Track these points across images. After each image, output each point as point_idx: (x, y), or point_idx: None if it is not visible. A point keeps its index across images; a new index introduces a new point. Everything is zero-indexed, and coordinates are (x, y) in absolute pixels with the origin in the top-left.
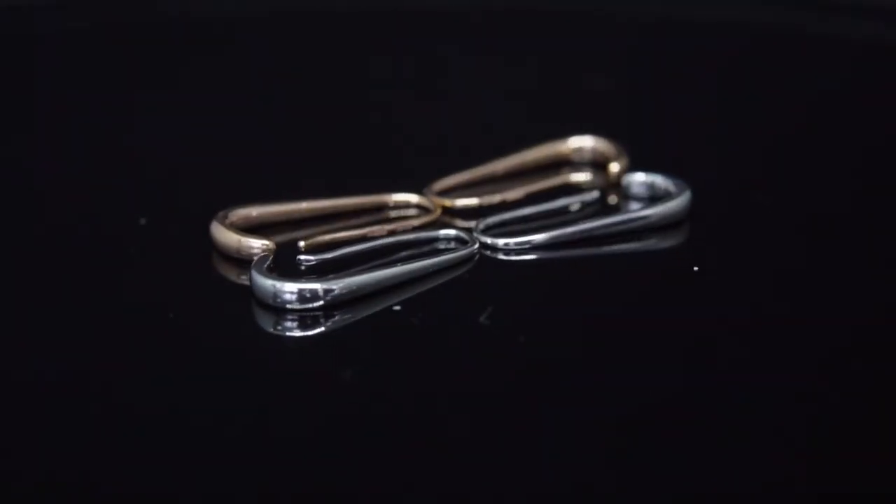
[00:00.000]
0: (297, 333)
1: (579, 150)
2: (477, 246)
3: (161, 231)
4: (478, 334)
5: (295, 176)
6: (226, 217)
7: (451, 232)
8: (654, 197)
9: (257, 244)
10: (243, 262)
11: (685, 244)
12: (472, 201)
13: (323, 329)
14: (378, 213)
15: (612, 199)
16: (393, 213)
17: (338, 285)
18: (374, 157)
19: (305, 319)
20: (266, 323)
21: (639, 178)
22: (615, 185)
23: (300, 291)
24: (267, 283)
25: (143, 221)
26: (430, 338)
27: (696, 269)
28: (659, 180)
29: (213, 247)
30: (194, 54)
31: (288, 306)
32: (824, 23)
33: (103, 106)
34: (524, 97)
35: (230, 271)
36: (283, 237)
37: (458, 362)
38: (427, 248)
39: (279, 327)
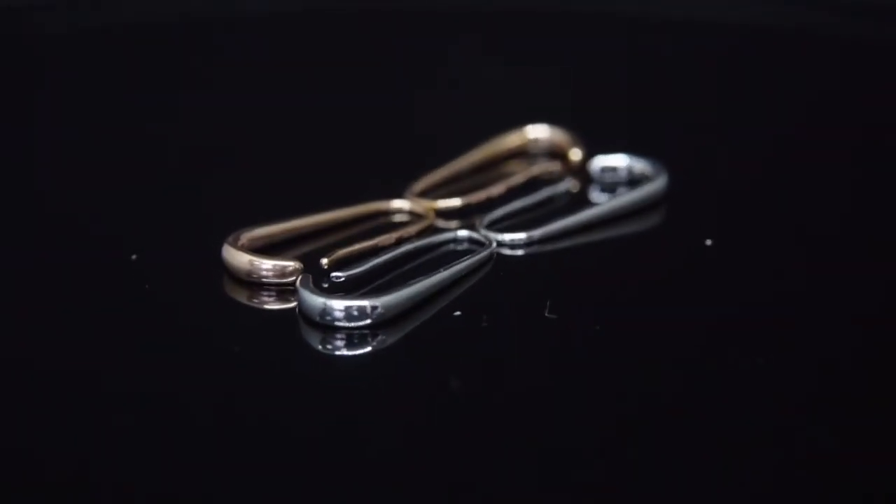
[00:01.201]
0: (349, 351)
1: (536, 140)
2: (495, 244)
3: (167, 257)
4: (538, 330)
5: (270, 187)
6: (237, 239)
7: (465, 233)
8: (632, 180)
9: (274, 265)
10: (254, 283)
11: (673, 223)
12: (459, 201)
13: (376, 344)
14: (374, 221)
15: (593, 186)
16: (388, 220)
17: (382, 301)
18: (341, 162)
19: (353, 336)
20: (314, 340)
21: (617, 162)
22: (584, 172)
23: (347, 309)
24: (318, 300)
25: (134, 257)
26: (492, 340)
27: (708, 242)
28: (637, 163)
29: (224, 268)
30: (156, 63)
31: (336, 324)
32: (812, 19)
33: (93, 114)
34: (482, 92)
35: (245, 292)
36: (289, 254)
37: (526, 361)
38: (444, 251)
39: (329, 346)
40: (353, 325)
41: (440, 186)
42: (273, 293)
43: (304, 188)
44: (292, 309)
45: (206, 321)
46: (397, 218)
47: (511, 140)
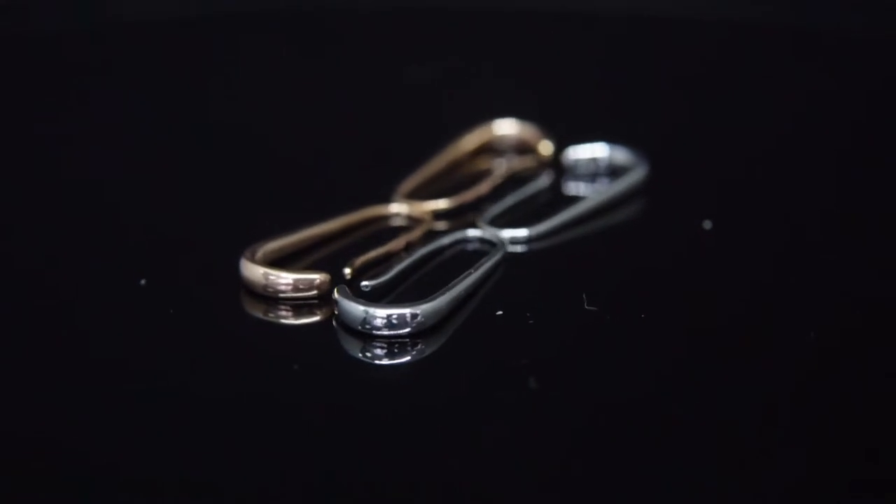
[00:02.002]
0: (390, 360)
1: (504, 135)
2: (507, 243)
3: (180, 276)
4: (573, 326)
5: (251, 197)
6: (255, 253)
7: (474, 233)
8: (613, 170)
9: (303, 278)
10: (279, 297)
11: (659, 209)
12: (453, 202)
13: (415, 353)
14: (372, 227)
15: (572, 177)
16: (388, 225)
17: (422, 309)
18: (318, 166)
19: (394, 345)
20: (353, 348)
21: (598, 152)
22: (556, 165)
23: (389, 317)
24: (358, 308)
25: (143, 282)
26: (542, 339)
27: (706, 225)
28: (617, 152)
29: (241, 283)
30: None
31: (375, 332)
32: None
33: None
34: (442, 90)
35: (267, 306)
36: (298, 265)
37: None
38: (454, 252)
39: (368, 353)
40: (393, 333)
41: (423, 187)
42: (300, 305)
43: (286, 196)
44: (326, 320)
45: (241, 337)
46: (395, 222)
47: (481, 136)
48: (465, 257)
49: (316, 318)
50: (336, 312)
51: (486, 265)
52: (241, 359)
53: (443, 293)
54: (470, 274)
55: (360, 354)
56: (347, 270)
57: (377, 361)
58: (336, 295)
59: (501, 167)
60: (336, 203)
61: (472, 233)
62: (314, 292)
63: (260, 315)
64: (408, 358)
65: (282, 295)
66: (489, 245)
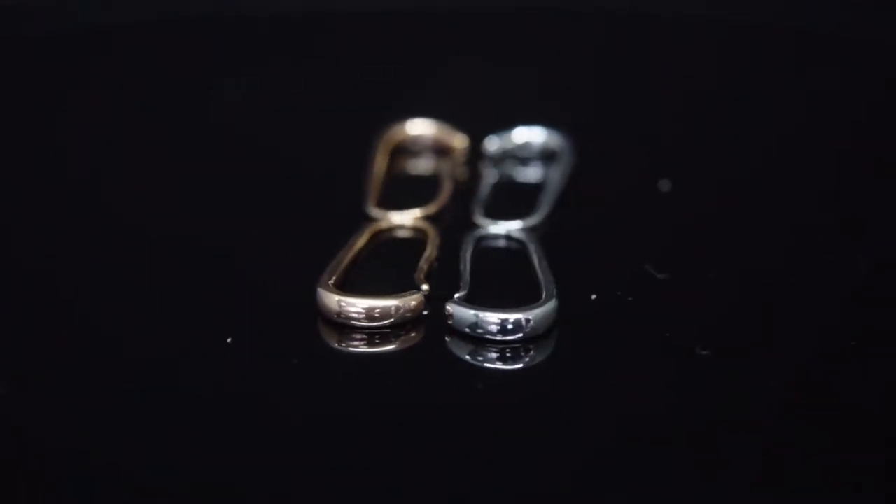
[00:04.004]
0: (503, 365)
1: (419, 134)
2: (533, 233)
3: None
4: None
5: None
6: (327, 283)
7: (496, 230)
8: (546, 153)
9: (406, 301)
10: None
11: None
12: (436, 206)
13: (528, 359)
14: (379, 240)
15: (510, 164)
16: (395, 235)
17: (533, 314)
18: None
19: (505, 350)
20: (462, 351)
21: (535, 136)
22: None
23: (503, 322)
24: (469, 313)
25: (229, 340)
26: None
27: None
28: (552, 137)
29: (319, 312)
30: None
31: (488, 337)
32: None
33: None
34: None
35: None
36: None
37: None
38: (485, 250)
39: (479, 357)
40: (505, 338)
41: (383, 195)
42: (391, 328)
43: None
44: (434, 336)
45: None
46: (401, 233)
47: (397, 136)
48: (497, 255)
49: (420, 338)
50: (451, 322)
51: (541, 262)
52: (371, 380)
53: (549, 299)
54: (544, 275)
55: (468, 356)
56: (426, 287)
57: (500, 365)
58: (450, 307)
59: (445, 166)
60: (309, 216)
61: (494, 230)
62: (410, 314)
63: (367, 341)
64: (529, 359)
65: (389, 321)
66: (514, 241)
